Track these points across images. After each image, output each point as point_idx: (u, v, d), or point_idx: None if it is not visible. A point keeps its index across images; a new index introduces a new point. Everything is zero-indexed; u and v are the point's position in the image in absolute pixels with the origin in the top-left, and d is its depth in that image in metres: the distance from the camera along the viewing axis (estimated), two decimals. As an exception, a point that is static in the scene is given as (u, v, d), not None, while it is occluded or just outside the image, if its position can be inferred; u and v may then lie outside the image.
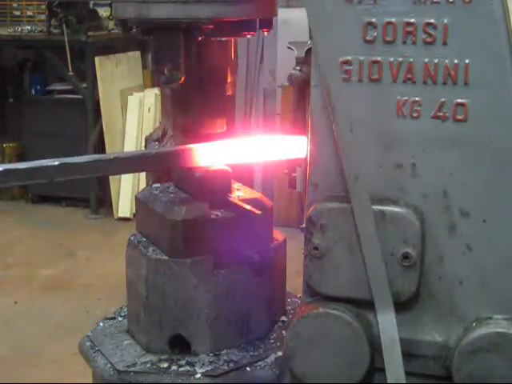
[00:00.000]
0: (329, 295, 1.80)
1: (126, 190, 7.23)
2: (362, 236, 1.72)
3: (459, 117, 1.69)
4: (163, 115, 2.42)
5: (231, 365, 1.98)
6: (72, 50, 7.01)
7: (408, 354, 1.76)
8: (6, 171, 1.77)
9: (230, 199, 2.06)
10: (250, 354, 2.04)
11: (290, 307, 2.31)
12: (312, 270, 1.80)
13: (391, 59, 1.71)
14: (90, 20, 7.28)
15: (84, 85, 7.33)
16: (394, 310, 1.74)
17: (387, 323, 1.74)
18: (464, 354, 1.70)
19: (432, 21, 1.67)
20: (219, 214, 2.03)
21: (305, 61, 1.92)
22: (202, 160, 1.93)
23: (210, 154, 1.93)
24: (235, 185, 2.20)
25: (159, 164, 1.97)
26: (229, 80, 2.14)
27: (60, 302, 5.40)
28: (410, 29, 1.69)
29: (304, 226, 1.81)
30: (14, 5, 8.85)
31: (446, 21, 1.66)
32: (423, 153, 1.72)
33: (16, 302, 5.41)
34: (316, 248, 1.78)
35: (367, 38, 1.72)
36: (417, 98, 1.71)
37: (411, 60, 1.70)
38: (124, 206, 7.26)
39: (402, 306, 1.76)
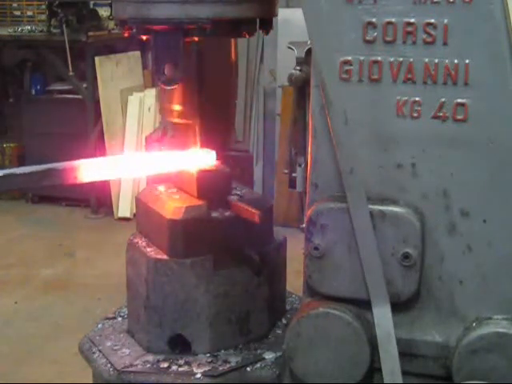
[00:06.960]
0: (329, 295, 1.81)
1: (126, 190, 7.22)
2: (356, 229, 1.72)
3: (459, 117, 1.69)
4: (162, 115, 2.42)
5: (231, 365, 1.98)
6: (72, 50, 7.01)
7: (408, 354, 1.77)
8: None
9: (230, 199, 2.06)
10: (249, 354, 2.04)
11: (289, 307, 2.31)
12: (312, 270, 1.80)
13: (391, 59, 1.71)
14: (90, 20, 7.28)
15: (84, 85, 7.33)
16: (389, 304, 1.73)
17: (382, 317, 1.74)
18: (464, 354, 1.70)
19: (432, 21, 1.67)
20: (219, 214, 2.03)
21: (305, 61, 1.92)
22: (86, 176, 1.87)
23: (94, 170, 1.88)
24: (235, 185, 2.20)
25: (41, 181, 1.85)
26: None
27: (60, 302, 5.39)
28: (410, 29, 1.69)
29: (304, 225, 1.81)
30: (14, 5, 8.85)
31: (446, 21, 1.66)
32: (423, 153, 1.72)
33: (16, 302, 5.41)
34: (316, 248, 1.78)
35: (367, 38, 1.72)
36: (417, 98, 1.71)
37: (411, 60, 1.70)
38: (124, 205, 7.25)
39: (403, 306, 1.76)
